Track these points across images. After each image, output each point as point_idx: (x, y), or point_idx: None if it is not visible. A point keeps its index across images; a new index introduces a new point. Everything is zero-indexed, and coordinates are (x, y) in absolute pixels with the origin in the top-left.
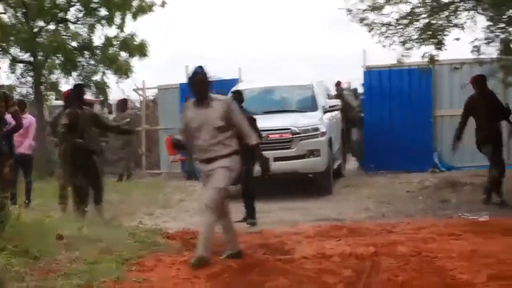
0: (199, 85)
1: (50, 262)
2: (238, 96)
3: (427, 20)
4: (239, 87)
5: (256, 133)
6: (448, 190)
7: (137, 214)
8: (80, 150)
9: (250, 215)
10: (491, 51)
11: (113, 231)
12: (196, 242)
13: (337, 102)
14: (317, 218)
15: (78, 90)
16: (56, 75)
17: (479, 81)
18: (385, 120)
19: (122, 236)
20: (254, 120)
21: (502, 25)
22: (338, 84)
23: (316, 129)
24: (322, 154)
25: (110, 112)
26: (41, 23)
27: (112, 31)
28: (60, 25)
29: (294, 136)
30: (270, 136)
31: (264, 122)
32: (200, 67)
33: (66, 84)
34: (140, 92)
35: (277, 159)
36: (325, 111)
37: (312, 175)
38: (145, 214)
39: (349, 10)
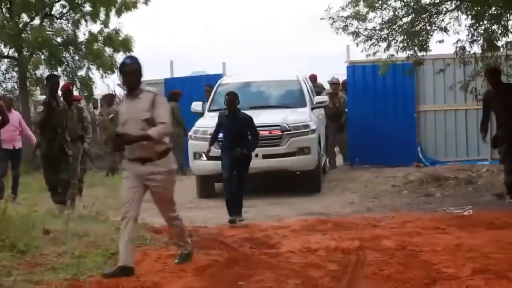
0: (127, 76)
1: (36, 256)
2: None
3: (410, 24)
4: (223, 81)
5: (254, 133)
6: (432, 184)
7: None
8: (52, 144)
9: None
10: (475, 49)
11: (100, 225)
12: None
13: (324, 98)
14: (303, 213)
15: (53, 81)
16: (41, 71)
17: (491, 74)
18: (369, 115)
19: (109, 230)
20: (251, 119)
21: (485, 22)
22: (313, 78)
23: (307, 126)
24: (313, 152)
25: (95, 107)
26: (26, 19)
27: (96, 27)
28: (45, 20)
29: (284, 133)
30: (261, 132)
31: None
32: (130, 57)
33: None
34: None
35: (266, 156)
36: (313, 107)
37: (301, 173)
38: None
39: (332, 18)
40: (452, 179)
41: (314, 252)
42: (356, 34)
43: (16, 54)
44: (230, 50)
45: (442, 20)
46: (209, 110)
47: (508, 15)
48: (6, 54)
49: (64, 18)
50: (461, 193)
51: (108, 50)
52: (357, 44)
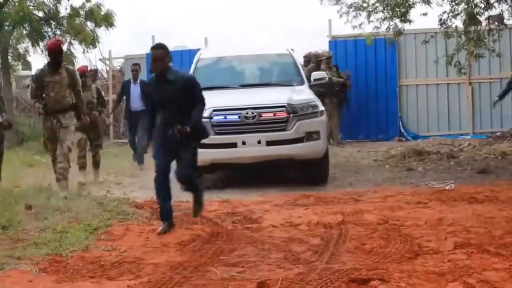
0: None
1: (19, 232)
2: None
3: None
4: (202, 55)
5: (199, 99)
6: (414, 158)
7: (105, 184)
8: None
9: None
10: (457, 23)
11: (82, 201)
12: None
13: (323, 74)
14: (285, 187)
15: None
16: (25, 45)
17: None
18: (351, 90)
19: (91, 206)
20: (193, 79)
21: None
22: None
23: (315, 106)
24: (322, 137)
25: None
26: None
27: (78, 1)
28: None
29: (291, 115)
30: (263, 115)
31: (251, 97)
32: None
33: (35, 54)
34: (107, 62)
35: (270, 143)
36: (311, 85)
37: (308, 161)
38: (113, 183)
39: None
40: (434, 154)
41: (296, 226)
42: (336, 1)
43: None
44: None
45: None
46: None
47: None
48: None
49: None
50: (443, 167)
51: (90, 25)
52: (340, 15)
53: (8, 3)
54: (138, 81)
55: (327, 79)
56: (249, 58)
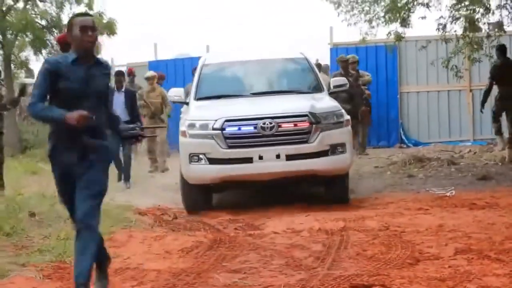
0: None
1: (23, 239)
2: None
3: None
4: (206, 61)
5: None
6: (415, 165)
7: (108, 190)
8: None
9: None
10: (457, 29)
11: None
12: (167, 218)
13: (343, 80)
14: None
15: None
16: (26, 53)
17: (500, 50)
18: None
19: None
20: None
21: (466, 3)
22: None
23: (340, 116)
24: (348, 149)
25: None
26: (10, 2)
27: (80, 10)
28: (29, 3)
29: (314, 125)
30: (283, 125)
31: (267, 106)
32: None
33: (36, 62)
34: None
35: (290, 157)
36: (330, 92)
37: (330, 177)
38: (116, 190)
39: None
40: (435, 160)
41: (298, 233)
42: (338, 4)
43: (0, 37)
44: (213, 33)
45: None
46: (197, 99)
47: None
48: None
49: (47, 1)
50: (444, 174)
51: None
52: (338, 13)
53: (11, 11)
54: (123, 90)
55: (347, 86)
56: (260, 63)
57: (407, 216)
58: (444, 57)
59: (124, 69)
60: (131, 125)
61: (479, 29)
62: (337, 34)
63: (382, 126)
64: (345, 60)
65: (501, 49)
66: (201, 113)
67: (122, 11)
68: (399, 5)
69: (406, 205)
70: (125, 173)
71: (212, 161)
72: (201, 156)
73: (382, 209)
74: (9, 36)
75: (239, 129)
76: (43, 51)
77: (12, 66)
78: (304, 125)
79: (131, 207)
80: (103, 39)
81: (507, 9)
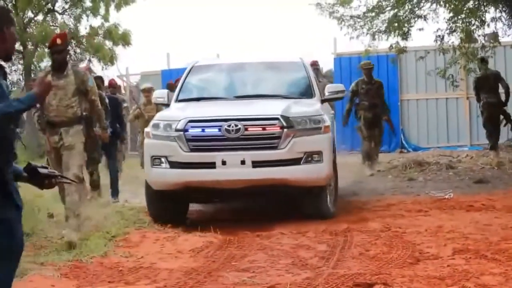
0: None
1: (41, 239)
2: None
3: (392, 13)
4: (198, 63)
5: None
6: (415, 169)
7: (123, 193)
8: None
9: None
10: (453, 40)
11: (101, 210)
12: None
13: (340, 87)
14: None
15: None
16: (45, 63)
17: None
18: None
19: (110, 214)
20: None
21: (463, 16)
22: (314, 64)
23: (318, 121)
24: (325, 159)
25: None
26: (30, 14)
27: (97, 22)
28: (48, 16)
29: (285, 130)
30: (250, 128)
31: (237, 108)
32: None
33: None
34: (124, 78)
35: (257, 163)
36: (324, 100)
37: (306, 190)
38: (131, 193)
39: (319, 4)
40: (434, 164)
41: (304, 233)
42: (341, 19)
43: (21, 48)
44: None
45: (422, 9)
46: (177, 101)
47: (485, 8)
48: None
49: (66, 13)
50: (442, 177)
51: (108, 44)
52: (341, 28)
53: (31, 24)
54: None
55: (344, 93)
56: (251, 66)
57: (408, 217)
58: (442, 67)
59: (138, 78)
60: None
61: (475, 41)
62: (341, 44)
63: (384, 132)
64: (370, 67)
65: (482, 61)
66: (168, 114)
67: (137, 22)
68: (399, 18)
69: (407, 207)
70: (112, 188)
71: (173, 164)
72: (162, 159)
73: (383, 211)
74: (29, 47)
75: (203, 130)
76: None
77: (32, 75)
78: (274, 129)
79: (144, 209)
80: (118, 49)
81: (501, 21)
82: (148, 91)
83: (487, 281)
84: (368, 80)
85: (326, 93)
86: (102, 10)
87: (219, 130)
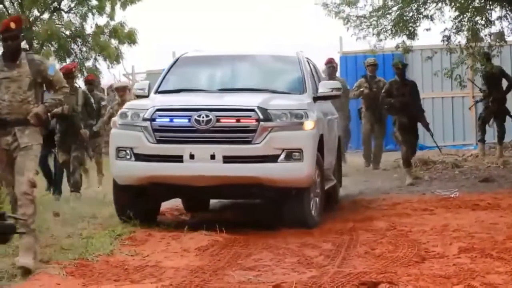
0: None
1: (47, 237)
2: None
3: (398, 12)
4: (185, 54)
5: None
6: (421, 168)
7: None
8: None
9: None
10: (460, 39)
11: (107, 208)
12: (184, 218)
13: (336, 84)
14: None
15: None
16: (51, 62)
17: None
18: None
19: (115, 212)
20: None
21: (469, 14)
22: (330, 61)
23: (299, 116)
24: (306, 158)
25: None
26: (36, 13)
27: (102, 20)
28: (54, 14)
29: (262, 123)
30: (222, 120)
31: (212, 99)
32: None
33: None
34: (130, 77)
35: (228, 159)
36: (317, 97)
37: (283, 191)
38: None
39: (325, 5)
40: (440, 163)
41: (309, 232)
42: (347, 20)
43: (27, 46)
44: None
45: (428, 9)
46: (157, 92)
47: (491, 7)
48: None
49: (72, 12)
50: (448, 176)
51: (114, 42)
52: (347, 28)
53: (37, 22)
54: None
55: (339, 92)
56: (242, 59)
57: (413, 216)
58: (448, 66)
59: (143, 76)
60: None
61: (481, 40)
62: (347, 43)
63: (390, 130)
64: (374, 64)
65: (488, 58)
66: (138, 102)
67: (142, 21)
68: (405, 18)
69: (412, 206)
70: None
71: (138, 157)
72: (128, 150)
73: (389, 210)
74: (35, 45)
75: (171, 120)
76: (67, 60)
77: None
78: (249, 121)
79: None
80: (124, 48)
81: (507, 20)
82: (123, 90)
83: (492, 280)
84: (400, 80)
85: (320, 90)
86: (108, 9)
87: (189, 120)
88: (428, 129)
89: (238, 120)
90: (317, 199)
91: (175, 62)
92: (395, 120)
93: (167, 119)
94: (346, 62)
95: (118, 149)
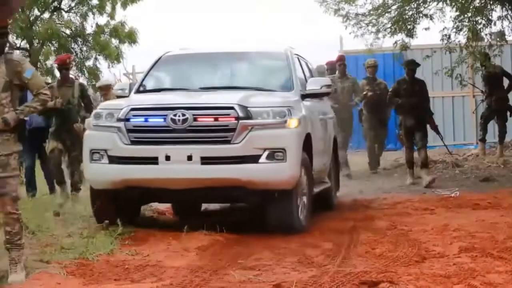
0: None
1: (47, 237)
2: None
3: (398, 11)
4: (169, 53)
5: None
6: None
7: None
8: None
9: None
10: (460, 39)
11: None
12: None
13: (326, 81)
14: None
15: None
16: (51, 61)
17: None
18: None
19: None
20: None
21: (469, 14)
22: (339, 59)
23: (282, 114)
24: (290, 158)
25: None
26: (36, 12)
27: (103, 19)
28: (54, 13)
29: (241, 121)
30: (200, 118)
31: (189, 97)
32: None
33: None
34: (131, 76)
35: (206, 160)
36: (306, 94)
37: (265, 193)
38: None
39: (324, 1)
40: (440, 163)
41: (310, 232)
42: (346, 17)
43: (27, 46)
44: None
45: (428, 8)
46: (137, 92)
47: (492, 6)
48: (18, 45)
49: (72, 11)
50: (448, 175)
51: (114, 42)
52: (346, 26)
53: (38, 21)
54: None
55: (331, 89)
56: (227, 56)
57: (414, 216)
58: (449, 65)
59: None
60: None
61: (481, 39)
62: (347, 42)
63: (390, 130)
64: (374, 65)
65: (488, 57)
66: (113, 102)
67: (143, 20)
68: (405, 17)
69: (413, 205)
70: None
71: (112, 159)
72: (102, 152)
73: (390, 209)
74: (35, 44)
75: (146, 120)
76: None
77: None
78: (228, 119)
79: (150, 207)
80: (124, 47)
81: (508, 19)
82: (106, 89)
83: (493, 279)
84: (409, 80)
85: (309, 88)
86: (108, 8)
87: (164, 120)
88: (437, 132)
89: (216, 119)
90: (305, 203)
91: (157, 61)
92: (401, 122)
93: (142, 119)
94: (347, 61)
95: (92, 152)
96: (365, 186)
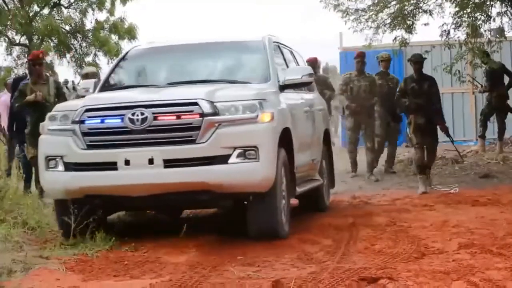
0: None
1: (47, 233)
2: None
3: (397, 6)
4: (137, 47)
5: None
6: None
7: None
8: None
9: None
10: (459, 35)
11: None
12: (184, 215)
13: (307, 69)
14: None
15: None
16: (51, 57)
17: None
18: None
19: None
20: None
21: (468, 10)
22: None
23: (253, 108)
24: (263, 157)
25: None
26: (36, 8)
27: (102, 15)
28: (54, 9)
29: (206, 118)
30: (160, 117)
31: (150, 93)
32: None
33: (60, 66)
34: None
35: (169, 163)
36: (285, 85)
37: (239, 197)
38: None
39: None
40: (440, 159)
41: (309, 228)
42: (346, 12)
43: (27, 42)
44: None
45: (428, 4)
46: (102, 90)
47: (491, 3)
48: (18, 41)
49: (72, 7)
50: (448, 172)
51: (114, 38)
52: (345, 22)
53: (37, 17)
54: None
55: (312, 78)
56: (199, 47)
57: (413, 212)
58: (448, 61)
59: None
60: None
61: (481, 35)
62: (347, 39)
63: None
64: (388, 59)
65: (488, 54)
66: (69, 103)
67: (142, 16)
68: (404, 12)
69: (412, 202)
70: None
71: (68, 166)
72: (57, 159)
73: (389, 206)
74: (35, 40)
75: (102, 121)
76: (67, 55)
77: None
78: (191, 117)
79: None
80: (124, 43)
81: (507, 16)
82: (93, 77)
83: (492, 276)
84: (417, 77)
85: (287, 78)
86: (108, 4)
87: (122, 120)
88: (447, 135)
89: (178, 117)
90: (284, 205)
91: (123, 56)
92: (410, 120)
93: (98, 120)
94: (346, 58)
95: (48, 158)
96: (364, 182)
